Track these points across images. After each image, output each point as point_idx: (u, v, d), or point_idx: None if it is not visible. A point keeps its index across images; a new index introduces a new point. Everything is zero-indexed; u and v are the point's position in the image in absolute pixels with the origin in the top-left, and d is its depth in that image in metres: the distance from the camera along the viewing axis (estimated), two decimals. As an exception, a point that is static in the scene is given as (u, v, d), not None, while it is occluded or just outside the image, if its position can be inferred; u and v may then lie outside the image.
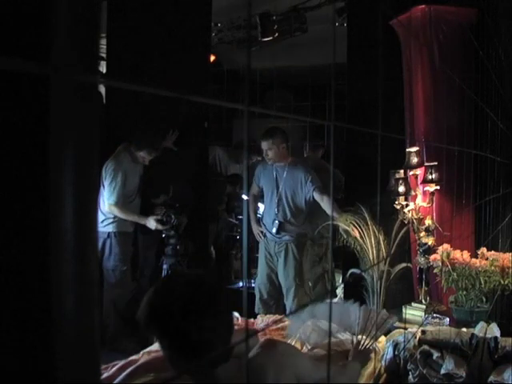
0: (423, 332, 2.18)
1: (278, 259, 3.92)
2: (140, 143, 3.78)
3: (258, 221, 4.13)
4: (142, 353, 2.45)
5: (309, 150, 5.23)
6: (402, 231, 3.18)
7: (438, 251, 2.91)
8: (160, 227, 3.76)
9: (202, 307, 1.28)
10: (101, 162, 3.60)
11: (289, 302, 3.85)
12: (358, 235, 3.26)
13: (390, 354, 2.17)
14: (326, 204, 3.78)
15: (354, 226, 3.33)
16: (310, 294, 3.99)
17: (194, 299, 1.29)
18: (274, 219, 3.89)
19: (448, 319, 2.82)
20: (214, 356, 1.31)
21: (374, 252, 3.23)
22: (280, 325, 2.80)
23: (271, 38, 5.03)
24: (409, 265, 3.23)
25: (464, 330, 2.29)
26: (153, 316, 1.29)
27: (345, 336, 2.63)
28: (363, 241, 3.26)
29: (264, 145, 3.85)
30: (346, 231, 3.33)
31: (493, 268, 2.70)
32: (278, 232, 3.88)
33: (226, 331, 1.33)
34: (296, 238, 3.88)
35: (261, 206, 4.40)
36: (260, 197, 4.15)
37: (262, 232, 4.03)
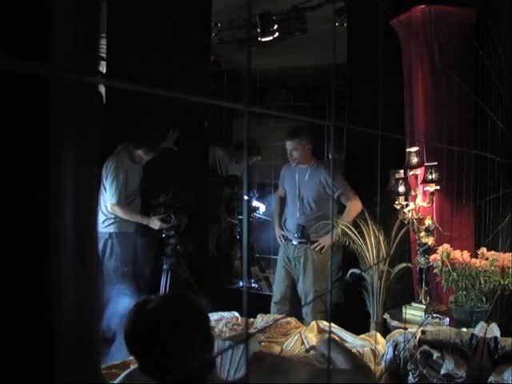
0: (423, 332, 2.18)
1: (296, 264, 3.79)
2: (138, 142, 3.78)
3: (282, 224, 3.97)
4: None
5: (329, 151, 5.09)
6: (402, 231, 3.19)
7: (438, 251, 2.91)
8: (164, 226, 3.76)
9: (171, 331, 1.32)
10: (101, 162, 3.60)
11: (305, 308, 3.72)
12: (354, 236, 3.27)
13: (390, 354, 2.17)
14: (347, 210, 3.63)
15: (350, 226, 3.33)
16: (325, 301, 3.83)
17: (163, 323, 1.34)
18: (297, 223, 3.76)
19: (448, 319, 2.82)
20: (196, 367, 1.33)
21: (374, 252, 3.23)
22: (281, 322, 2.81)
23: (271, 37, 5.03)
24: (409, 265, 3.24)
25: (464, 329, 2.29)
26: (126, 340, 1.38)
27: (348, 338, 2.64)
28: (363, 241, 3.26)
29: (289, 144, 3.72)
30: (343, 231, 3.33)
31: (493, 268, 2.70)
32: (301, 236, 3.73)
33: (203, 348, 1.35)
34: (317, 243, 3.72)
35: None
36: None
37: (283, 235, 3.88)
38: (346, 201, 3.65)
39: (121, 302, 3.73)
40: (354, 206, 3.60)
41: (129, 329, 1.36)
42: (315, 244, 3.71)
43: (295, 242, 3.79)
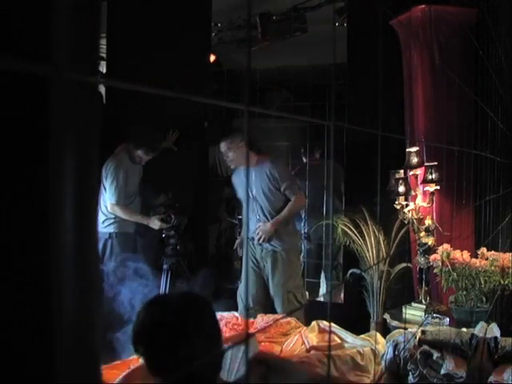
0: (423, 332, 2.17)
1: (264, 265, 3.72)
2: (137, 142, 3.78)
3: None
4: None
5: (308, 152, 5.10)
6: (402, 231, 3.19)
7: (438, 251, 2.91)
8: (164, 226, 3.76)
9: (182, 332, 1.30)
10: (101, 162, 3.60)
11: (278, 309, 3.65)
12: (354, 236, 3.27)
13: (390, 354, 2.17)
14: (291, 204, 3.61)
15: (351, 226, 3.33)
16: (300, 300, 3.74)
17: (173, 324, 1.32)
18: (259, 224, 3.70)
19: (448, 319, 2.82)
20: (206, 368, 1.32)
21: (374, 252, 3.24)
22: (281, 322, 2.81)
23: (271, 37, 5.03)
24: (409, 265, 3.24)
25: (464, 329, 2.29)
26: (136, 339, 1.35)
27: (349, 338, 2.64)
28: (363, 241, 3.26)
29: (222, 146, 3.70)
30: (344, 231, 3.33)
31: (493, 268, 2.70)
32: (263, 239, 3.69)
33: (213, 347, 1.34)
34: (283, 243, 3.68)
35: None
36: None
37: (245, 240, 3.90)
38: (291, 195, 3.62)
39: (120, 302, 3.73)
40: (298, 201, 3.62)
41: (139, 327, 1.34)
42: (256, 237, 3.67)
43: (262, 244, 3.72)
